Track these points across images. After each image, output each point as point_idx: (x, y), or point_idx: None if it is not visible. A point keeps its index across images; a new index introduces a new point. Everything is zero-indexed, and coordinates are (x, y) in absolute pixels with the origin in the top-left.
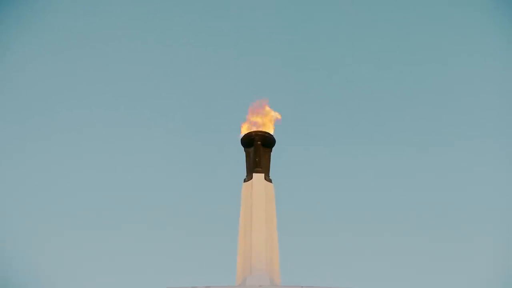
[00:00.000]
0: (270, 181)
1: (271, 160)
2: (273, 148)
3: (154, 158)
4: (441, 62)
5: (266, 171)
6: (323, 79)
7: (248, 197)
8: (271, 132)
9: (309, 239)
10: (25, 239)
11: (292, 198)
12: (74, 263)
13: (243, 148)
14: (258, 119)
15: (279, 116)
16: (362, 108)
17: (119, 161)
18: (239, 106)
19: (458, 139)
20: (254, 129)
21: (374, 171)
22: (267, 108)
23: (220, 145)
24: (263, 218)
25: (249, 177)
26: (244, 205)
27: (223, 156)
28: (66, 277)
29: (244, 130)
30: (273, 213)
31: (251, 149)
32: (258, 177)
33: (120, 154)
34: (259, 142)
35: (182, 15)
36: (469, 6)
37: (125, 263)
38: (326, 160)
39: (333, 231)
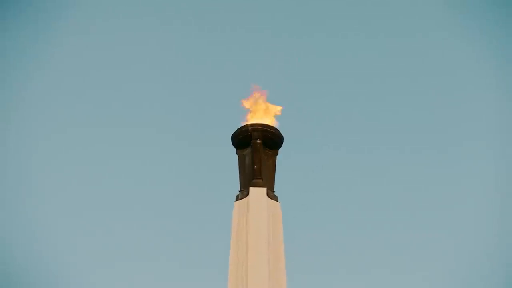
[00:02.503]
0: (275, 198)
1: (276, 167)
2: (280, 150)
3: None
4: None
5: (269, 183)
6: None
7: (242, 222)
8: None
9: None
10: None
11: (308, 221)
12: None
13: (235, 150)
14: (257, 108)
15: (278, 112)
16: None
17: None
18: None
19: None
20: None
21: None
22: (266, 103)
23: (198, 145)
24: (265, 255)
25: (243, 193)
26: (236, 235)
27: (201, 161)
28: None
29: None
30: (280, 247)
31: (247, 151)
32: (257, 192)
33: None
34: (259, 141)
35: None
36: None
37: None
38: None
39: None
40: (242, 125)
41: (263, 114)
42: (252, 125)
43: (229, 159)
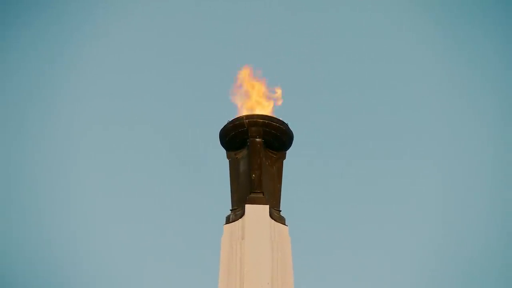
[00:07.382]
0: (282, 220)
1: (283, 176)
2: (288, 152)
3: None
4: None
5: (273, 199)
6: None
7: (235, 255)
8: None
9: None
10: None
11: (328, 251)
12: None
13: (224, 152)
14: (250, 91)
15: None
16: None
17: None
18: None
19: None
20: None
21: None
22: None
23: (174, 144)
24: None
25: (237, 213)
26: (225, 273)
27: (178, 167)
28: None
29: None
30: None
31: (242, 154)
32: (256, 212)
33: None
34: (258, 139)
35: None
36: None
37: None
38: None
39: None
40: (235, 117)
41: (260, 101)
42: (248, 116)
43: (216, 165)
